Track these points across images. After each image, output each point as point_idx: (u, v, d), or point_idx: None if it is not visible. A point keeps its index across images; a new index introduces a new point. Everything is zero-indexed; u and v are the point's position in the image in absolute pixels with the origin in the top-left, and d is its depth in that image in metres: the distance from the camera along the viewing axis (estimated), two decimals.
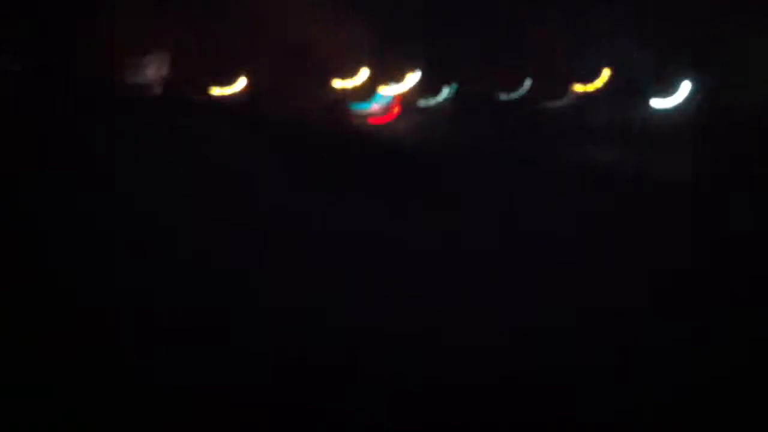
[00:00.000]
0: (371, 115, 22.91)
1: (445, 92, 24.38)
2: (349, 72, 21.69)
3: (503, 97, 21.29)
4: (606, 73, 22.43)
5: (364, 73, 21.34)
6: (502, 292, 10.69)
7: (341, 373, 7.85)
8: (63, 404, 7.28)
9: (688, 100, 20.79)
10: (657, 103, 19.15)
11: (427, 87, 23.52)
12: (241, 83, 18.76)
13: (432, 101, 24.06)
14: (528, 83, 22.27)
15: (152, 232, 12.84)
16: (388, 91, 22.55)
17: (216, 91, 18.36)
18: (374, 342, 8.62)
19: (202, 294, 10.39)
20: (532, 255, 13.01)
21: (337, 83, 20.68)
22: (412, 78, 23.94)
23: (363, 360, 8.18)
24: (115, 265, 11.35)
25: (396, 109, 23.19)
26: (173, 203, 13.95)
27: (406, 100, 23.95)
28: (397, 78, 23.29)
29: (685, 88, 19.88)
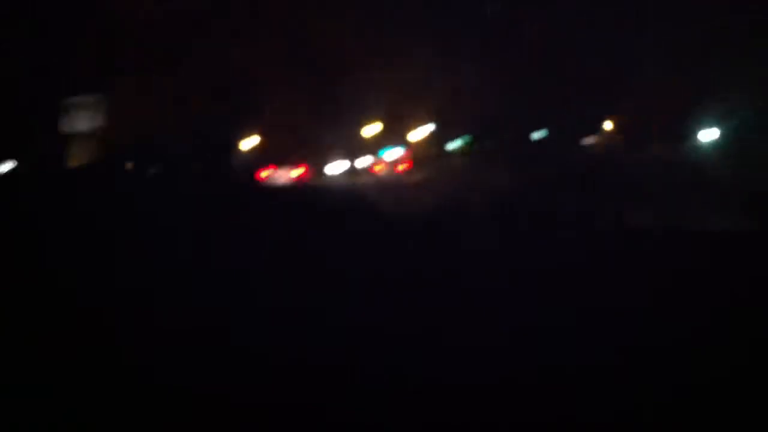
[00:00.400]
0: (387, 162, 23.99)
1: (458, 142, 25.59)
2: (369, 121, 22.54)
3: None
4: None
5: (378, 125, 22.24)
6: (502, 292, 10.70)
7: (341, 373, 7.84)
8: (63, 404, 7.27)
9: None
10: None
11: (440, 137, 24.59)
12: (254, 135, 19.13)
13: (446, 150, 25.11)
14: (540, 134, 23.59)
15: (152, 232, 12.86)
16: (404, 140, 23.53)
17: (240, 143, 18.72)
18: (374, 342, 8.62)
19: (202, 294, 10.40)
20: (532, 255, 13.03)
21: (365, 131, 21.59)
22: (425, 129, 25.00)
23: (363, 360, 8.17)
24: (115, 265, 11.36)
25: (408, 159, 24.32)
26: (173, 203, 14.00)
27: (419, 150, 25.00)
28: (411, 129, 24.13)
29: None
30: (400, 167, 24.31)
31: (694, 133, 26.35)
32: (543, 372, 7.84)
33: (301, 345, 8.64)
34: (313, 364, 8.04)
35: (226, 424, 7.03)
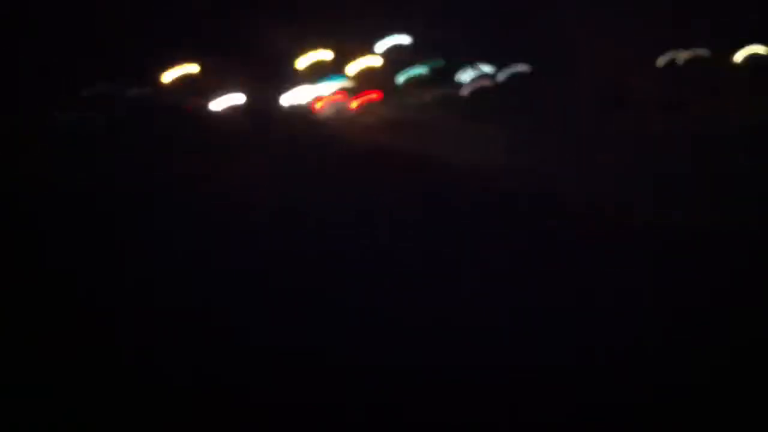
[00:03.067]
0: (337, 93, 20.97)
1: (422, 68, 22.04)
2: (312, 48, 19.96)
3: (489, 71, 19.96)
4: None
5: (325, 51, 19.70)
6: (502, 292, 10.67)
7: (342, 373, 7.84)
8: (63, 404, 7.27)
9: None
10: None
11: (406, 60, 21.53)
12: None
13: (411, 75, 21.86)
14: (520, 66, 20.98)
15: (152, 232, 12.83)
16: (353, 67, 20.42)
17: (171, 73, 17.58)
18: (374, 342, 8.60)
19: (202, 294, 10.37)
20: (532, 256, 12.98)
21: (302, 61, 19.19)
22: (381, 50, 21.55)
23: (363, 360, 8.17)
24: (115, 265, 11.33)
25: (363, 92, 21.09)
26: (174, 203, 13.94)
27: (382, 78, 21.84)
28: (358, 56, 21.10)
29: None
30: (353, 103, 20.45)
31: None
32: (543, 372, 7.85)
33: (301, 345, 8.64)
34: (313, 364, 8.05)
35: (226, 423, 7.03)
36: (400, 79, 22.59)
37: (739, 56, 22.99)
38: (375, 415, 7.06)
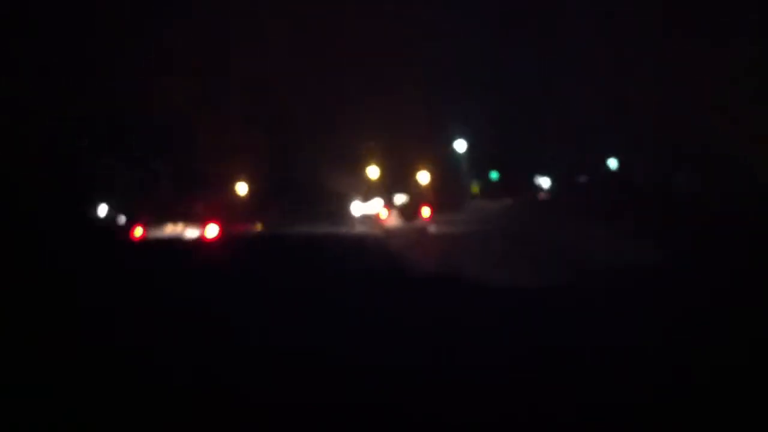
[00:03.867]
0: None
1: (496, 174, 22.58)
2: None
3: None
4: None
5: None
6: (502, 292, 10.72)
7: (342, 373, 7.86)
8: (63, 404, 7.28)
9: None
10: None
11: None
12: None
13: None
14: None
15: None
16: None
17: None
18: (374, 342, 8.64)
19: (201, 294, 10.42)
20: (532, 257, 13.05)
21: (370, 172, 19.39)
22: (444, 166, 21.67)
23: (363, 360, 8.19)
24: (116, 266, 11.38)
25: (428, 203, 21.09)
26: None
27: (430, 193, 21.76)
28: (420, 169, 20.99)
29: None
30: (425, 213, 19.85)
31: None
32: (543, 372, 7.86)
33: (301, 345, 8.66)
34: (313, 363, 8.06)
35: (226, 423, 7.04)
36: (475, 185, 22.46)
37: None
38: (375, 415, 7.05)
